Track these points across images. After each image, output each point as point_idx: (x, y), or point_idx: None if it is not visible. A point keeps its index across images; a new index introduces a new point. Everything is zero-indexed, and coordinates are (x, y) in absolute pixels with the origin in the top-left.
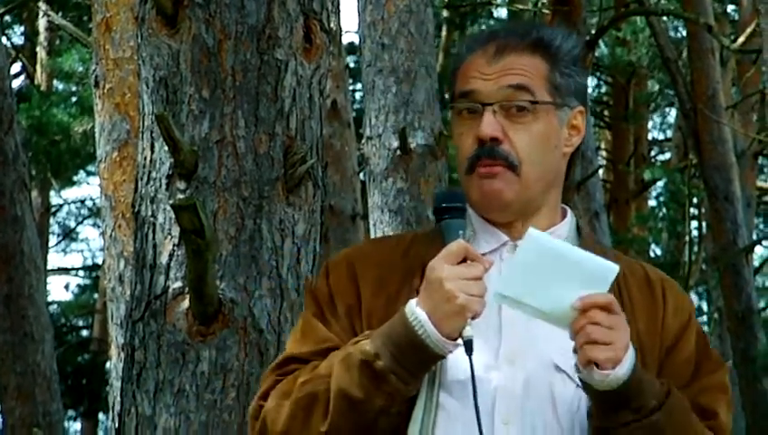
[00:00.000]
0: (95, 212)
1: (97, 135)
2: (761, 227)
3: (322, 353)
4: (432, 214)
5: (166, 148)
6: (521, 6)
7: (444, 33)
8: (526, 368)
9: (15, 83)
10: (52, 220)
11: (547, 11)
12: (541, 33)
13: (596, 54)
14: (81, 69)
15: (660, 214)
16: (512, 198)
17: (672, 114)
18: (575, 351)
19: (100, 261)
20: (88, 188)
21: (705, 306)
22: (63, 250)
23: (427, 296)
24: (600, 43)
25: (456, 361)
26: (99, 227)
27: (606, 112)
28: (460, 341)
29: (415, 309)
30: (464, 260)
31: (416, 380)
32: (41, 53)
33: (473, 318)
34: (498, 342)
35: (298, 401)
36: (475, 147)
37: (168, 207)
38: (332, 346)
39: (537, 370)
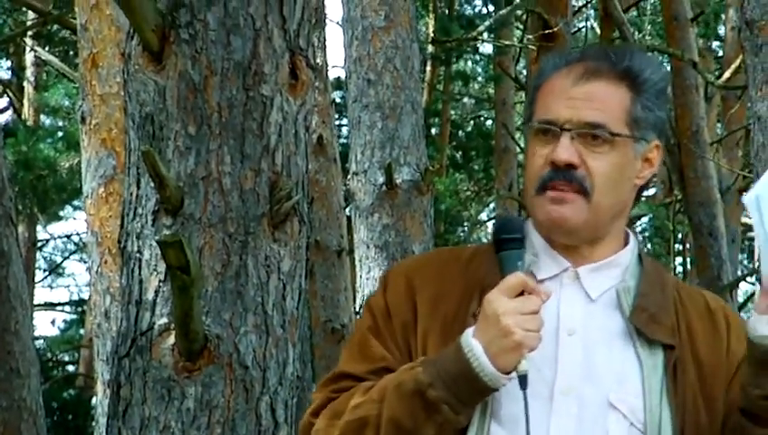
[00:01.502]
0: (82, 247)
1: (83, 170)
2: (745, 263)
3: (377, 373)
4: (492, 241)
5: (152, 184)
6: (506, 42)
7: (429, 68)
8: (580, 403)
9: (2, 118)
10: (38, 255)
11: (533, 46)
12: (632, 62)
13: None
14: (67, 104)
15: (645, 249)
16: (579, 224)
17: None
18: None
19: (86, 296)
20: (74, 223)
21: None
22: (50, 285)
23: (484, 329)
24: None
25: (510, 392)
26: (85, 262)
27: None
28: (514, 374)
29: (471, 341)
30: (522, 293)
31: (468, 411)
32: (28, 87)
33: (529, 352)
34: (553, 374)
35: (348, 425)
36: (548, 169)
37: (154, 243)
38: (387, 366)
39: (591, 406)
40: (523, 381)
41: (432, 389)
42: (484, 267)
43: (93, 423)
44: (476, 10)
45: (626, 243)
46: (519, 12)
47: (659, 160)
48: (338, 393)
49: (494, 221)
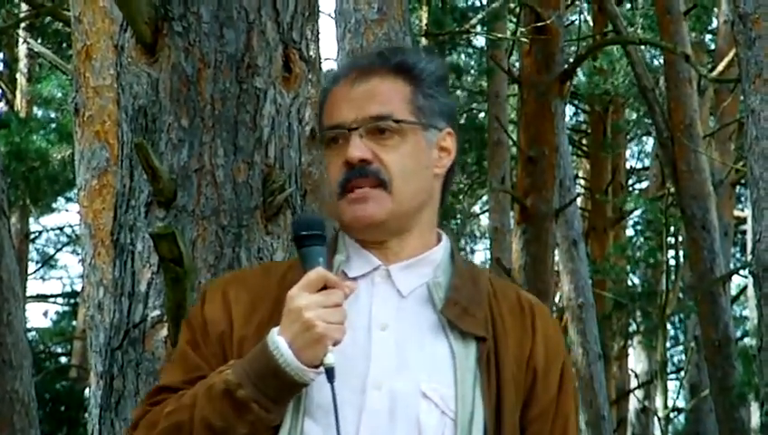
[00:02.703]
0: (74, 239)
1: (77, 163)
2: (738, 256)
3: (192, 382)
4: (292, 242)
5: (145, 176)
6: (499, 35)
7: None
8: (393, 394)
9: None
10: (30, 247)
11: (525, 39)
12: (403, 57)
13: (573, 83)
14: (60, 95)
15: (638, 243)
16: (384, 217)
17: (650, 143)
18: None
19: (78, 288)
20: (67, 215)
21: (681, 335)
22: (42, 277)
23: (288, 326)
24: (578, 71)
25: (321, 388)
26: (78, 254)
27: (584, 141)
28: (322, 368)
29: (276, 338)
30: (324, 288)
31: (278, 408)
32: (20, 79)
33: (334, 345)
34: (367, 367)
35: (163, 432)
36: (345, 170)
37: (147, 236)
38: (203, 375)
39: (404, 396)
40: (329, 374)
41: (241, 388)
42: (299, 275)
43: (86, 415)
44: (469, 3)
45: (439, 240)
46: (512, 5)
47: (456, 148)
48: (155, 406)
49: (293, 221)
